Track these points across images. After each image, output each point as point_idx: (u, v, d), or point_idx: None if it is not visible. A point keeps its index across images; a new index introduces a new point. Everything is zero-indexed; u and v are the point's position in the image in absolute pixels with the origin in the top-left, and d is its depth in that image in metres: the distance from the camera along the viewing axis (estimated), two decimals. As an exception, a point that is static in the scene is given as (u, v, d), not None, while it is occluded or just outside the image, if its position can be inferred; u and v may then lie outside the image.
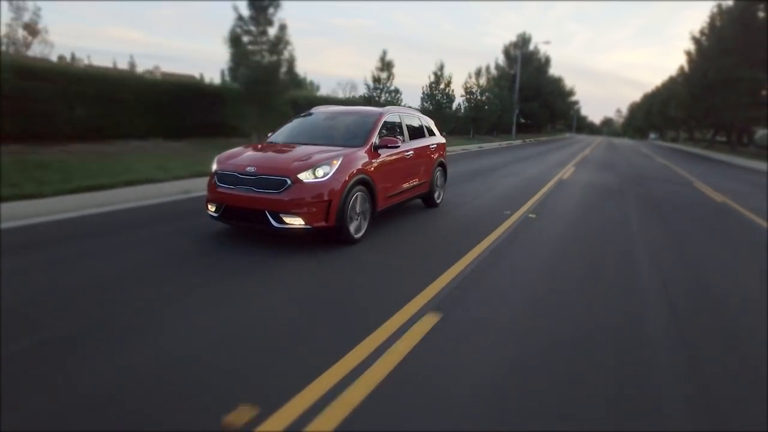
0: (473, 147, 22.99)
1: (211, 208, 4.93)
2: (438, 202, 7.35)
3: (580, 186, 10.87)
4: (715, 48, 32.68)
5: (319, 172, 4.66)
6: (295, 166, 4.67)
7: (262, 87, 13.72)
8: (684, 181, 14.37)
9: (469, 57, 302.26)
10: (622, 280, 4.39)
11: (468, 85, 29.39)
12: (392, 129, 6.14)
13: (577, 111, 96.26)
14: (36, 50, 33.90)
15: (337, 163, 4.77)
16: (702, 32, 39.27)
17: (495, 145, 26.67)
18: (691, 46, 41.64)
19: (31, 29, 37.95)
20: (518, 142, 33.30)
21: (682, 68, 46.34)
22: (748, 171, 21.51)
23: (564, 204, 8.26)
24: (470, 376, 2.59)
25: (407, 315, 3.26)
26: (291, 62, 14.76)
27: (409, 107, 9.63)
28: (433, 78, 24.39)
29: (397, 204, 6.11)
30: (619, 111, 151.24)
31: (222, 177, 4.86)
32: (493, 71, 38.47)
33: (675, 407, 2.45)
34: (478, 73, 29.64)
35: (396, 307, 3.36)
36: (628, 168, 17.42)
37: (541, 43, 57.59)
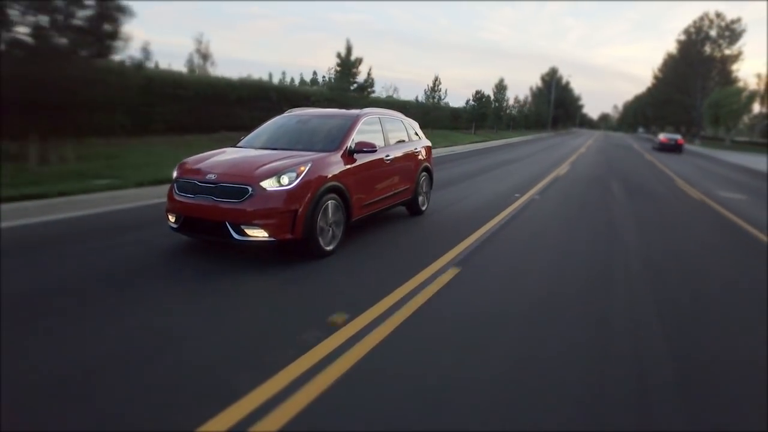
0: (538, 135, 47.98)
1: (171, 218, 4.68)
2: (423, 209, 7.07)
3: (595, 146, 35.73)
4: (663, 79, 57.84)
5: (284, 179, 4.40)
6: (257, 173, 4.41)
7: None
8: (630, 144, 39.42)
9: (466, 52, 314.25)
10: (604, 152, 29.34)
11: (528, 102, 54.72)
12: (372, 133, 5.86)
13: (580, 110, 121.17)
14: (205, 71, 41.43)
15: (304, 170, 4.51)
16: (661, 66, 64.70)
17: (545, 134, 51.62)
18: (657, 73, 67.02)
19: (204, 55, 60.93)
20: (552, 133, 58.32)
21: (649, 88, 71.89)
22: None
23: (593, 150, 33.14)
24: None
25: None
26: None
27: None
28: (522, 101, 49.80)
29: (376, 212, 5.87)
30: (615, 107, 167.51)
31: (181, 185, 4.61)
32: (535, 90, 64.00)
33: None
34: (534, 95, 54.85)
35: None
36: (612, 143, 42.42)
37: (566, 75, 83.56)
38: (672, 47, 58.79)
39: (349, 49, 22.44)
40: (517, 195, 8.98)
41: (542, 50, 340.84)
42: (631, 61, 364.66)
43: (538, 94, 63.95)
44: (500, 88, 36.28)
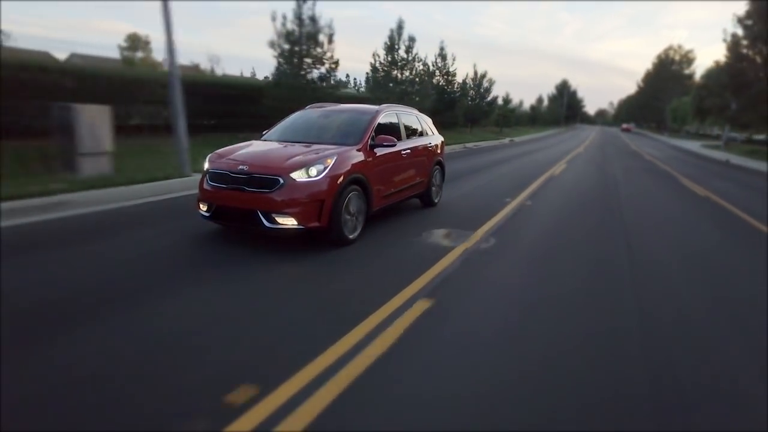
0: (557, 130, 70.63)
1: (203, 207, 4.97)
2: (436, 201, 7.45)
3: (597, 136, 57.90)
4: (644, 88, 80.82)
5: (313, 171, 4.69)
6: (287, 165, 4.72)
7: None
8: (618, 133, 62.34)
9: (464, 48, 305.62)
10: (600, 138, 51.86)
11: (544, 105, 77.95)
12: (390, 128, 6.16)
13: (582, 110, 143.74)
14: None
15: (331, 162, 4.81)
16: (643, 77, 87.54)
17: (561, 129, 74.24)
18: (640, 83, 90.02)
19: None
20: (564, 129, 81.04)
21: (635, 92, 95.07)
22: (643, 134, 68.87)
23: (596, 138, 55.06)
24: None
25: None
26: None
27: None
28: (547, 106, 72.73)
29: (393, 203, 6.21)
30: (611, 103, 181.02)
31: (213, 176, 4.92)
32: (551, 96, 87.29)
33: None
34: (551, 100, 78.14)
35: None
36: (606, 134, 64.65)
37: (574, 85, 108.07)
38: (665, 43, 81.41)
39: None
40: (575, 150, 31.52)
41: (538, 45, 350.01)
42: (627, 56, 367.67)
43: (553, 99, 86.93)
44: (539, 101, 59.39)
